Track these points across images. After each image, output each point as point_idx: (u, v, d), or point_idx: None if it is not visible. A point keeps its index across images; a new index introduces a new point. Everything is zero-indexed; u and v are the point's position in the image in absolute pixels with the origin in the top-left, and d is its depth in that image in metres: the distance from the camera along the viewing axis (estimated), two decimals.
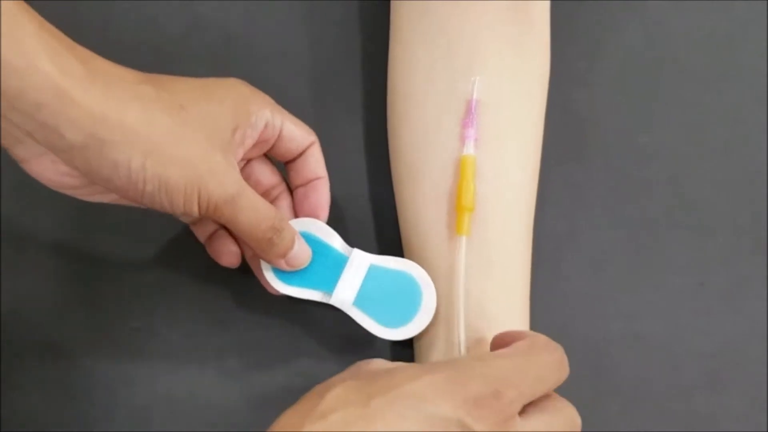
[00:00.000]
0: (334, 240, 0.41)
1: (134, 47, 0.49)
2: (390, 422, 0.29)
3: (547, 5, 0.44)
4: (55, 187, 0.35)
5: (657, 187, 0.47)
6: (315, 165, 0.42)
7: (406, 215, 0.43)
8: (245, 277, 0.45)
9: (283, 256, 0.39)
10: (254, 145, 0.39)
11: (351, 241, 0.43)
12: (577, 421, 0.33)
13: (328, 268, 0.41)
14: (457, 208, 0.40)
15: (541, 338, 0.35)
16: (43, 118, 0.31)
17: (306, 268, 0.41)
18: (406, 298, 0.40)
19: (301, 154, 0.41)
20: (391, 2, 0.45)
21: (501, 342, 0.36)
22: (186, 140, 0.34)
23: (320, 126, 0.47)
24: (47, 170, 0.34)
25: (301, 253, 0.40)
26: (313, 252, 0.41)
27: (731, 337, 0.45)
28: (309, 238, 0.41)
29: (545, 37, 0.44)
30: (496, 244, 0.41)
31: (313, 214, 0.42)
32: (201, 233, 0.43)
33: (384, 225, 0.46)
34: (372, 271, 0.41)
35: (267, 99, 0.40)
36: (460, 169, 0.40)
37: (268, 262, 0.40)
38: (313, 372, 0.45)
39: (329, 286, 0.41)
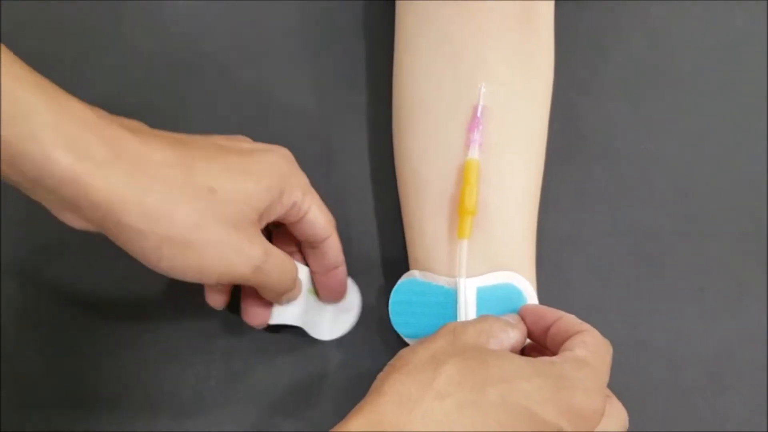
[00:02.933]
0: (438, 278, 0.41)
1: (142, 52, 0.49)
2: (502, 418, 0.31)
3: (551, 12, 0.44)
4: (80, 228, 0.36)
5: (659, 194, 0.47)
6: (334, 255, 0.42)
7: (411, 220, 0.43)
8: None
9: (285, 295, 0.41)
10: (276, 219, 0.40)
11: (356, 245, 0.43)
12: (627, 420, 0.36)
13: (441, 306, 0.41)
14: (459, 212, 0.40)
15: (599, 335, 0.35)
16: (63, 195, 0.32)
17: (423, 313, 0.41)
18: (513, 306, 0.40)
19: (318, 246, 0.42)
20: (397, 9, 0.45)
21: (542, 319, 0.37)
22: (210, 224, 0.35)
23: (324, 132, 0.48)
24: (73, 221, 0.34)
25: (298, 291, 0.43)
26: (424, 296, 0.41)
27: (732, 342, 0.45)
28: (414, 283, 0.41)
29: (549, 44, 0.44)
30: (501, 249, 0.41)
31: (332, 299, 0.44)
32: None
33: (389, 230, 0.46)
34: (480, 293, 0.40)
35: (302, 180, 0.40)
36: (463, 173, 0.40)
37: (269, 299, 0.42)
38: (319, 373, 0.45)
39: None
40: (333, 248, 0.42)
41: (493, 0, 0.42)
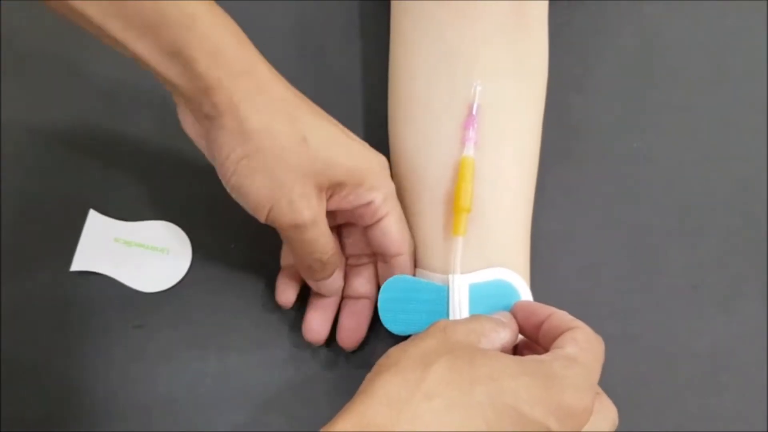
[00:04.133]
0: (429, 275, 0.41)
1: None
2: (489, 417, 0.30)
3: (545, 11, 0.44)
4: (191, 136, 0.39)
5: (651, 191, 0.47)
6: (402, 268, 0.42)
7: (407, 217, 0.43)
8: (243, 276, 0.46)
9: (316, 280, 0.42)
10: (349, 212, 0.41)
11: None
12: (617, 418, 0.35)
13: (432, 303, 0.41)
14: (454, 209, 0.40)
15: (590, 332, 0.35)
16: (196, 85, 0.36)
17: (415, 310, 0.41)
18: (507, 302, 0.40)
19: (388, 261, 0.42)
20: (392, 6, 0.45)
21: (533, 316, 0.37)
22: (285, 166, 0.37)
23: None
24: (189, 123, 0.39)
25: (333, 285, 0.42)
26: (415, 292, 0.41)
27: (725, 339, 0.45)
28: (405, 280, 0.41)
29: (543, 42, 0.44)
30: (496, 246, 0.41)
31: None
32: (285, 258, 0.45)
33: None
34: (473, 290, 0.40)
35: (388, 187, 0.41)
36: (459, 171, 0.40)
37: (301, 274, 0.42)
38: (313, 372, 0.45)
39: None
40: (402, 268, 0.42)
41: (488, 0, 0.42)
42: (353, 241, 0.44)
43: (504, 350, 0.36)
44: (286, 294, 0.44)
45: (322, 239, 0.39)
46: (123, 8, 0.34)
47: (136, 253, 0.46)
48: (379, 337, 0.44)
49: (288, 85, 0.39)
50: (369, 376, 0.33)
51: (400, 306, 0.41)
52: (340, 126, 0.40)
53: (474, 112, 0.41)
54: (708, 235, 0.47)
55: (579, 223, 0.47)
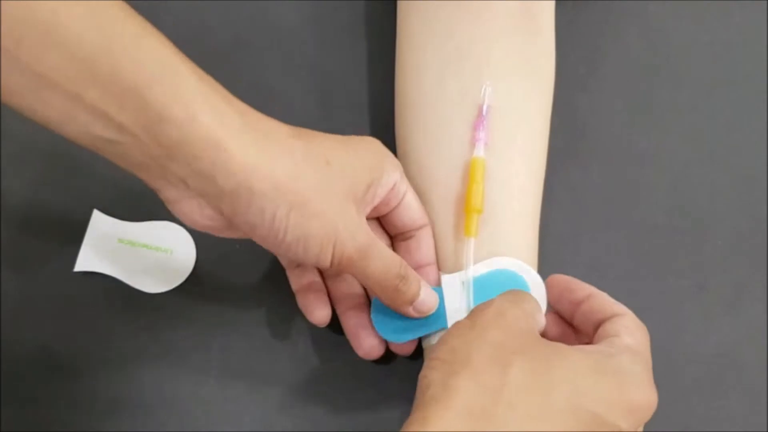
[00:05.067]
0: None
1: None
2: (569, 423, 0.30)
3: (552, 11, 0.44)
4: (194, 226, 0.36)
5: (657, 192, 0.48)
6: (427, 248, 0.42)
7: None
8: (247, 277, 0.46)
9: (411, 302, 0.39)
10: (377, 205, 0.40)
11: None
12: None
13: None
14: (465, 210, 0.40)
15: (635, 319, 0.35)
16: (199, 167, 0.32)
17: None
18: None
19: (412, 236, 0.42)
20: (399, 9, 0.45)
21: (571, 293, 0.37)
22: (328, 195, 0.35)
23: (327, 130, 0.48)
24: (193, 212, 0.35)
25: (428, 298, 0.40)
26: None
27: (730, 340, 0.45)
28: None
29: (551, 42, 0.44)
30: (506, 247, 0.41)
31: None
32: (296, 282, 0.43)
33: None
34: (476, 284, 0.40)
35: (398, 163, 0.40)
36: (469, 171, 0.40)
37: (397, 310, 0.40)
38: (319, 371, 0.45)
39: (441, 322, 0.40)
40: (427, 240, 0.42)
41: (497, 0, 0.42)
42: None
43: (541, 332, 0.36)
44: (319, 311, 0.42)
45: (387, 251, 0.38)
46: (98, 72, 0.30)
47: (140, 254, 0.46)
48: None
49: (264, 115, 0.36)
50: (430, 374, 0.31)
51: (394, 312, 0.40)
52: (325, 134, 0.39)
53: (484, 113, 0.41)
54: (714, 236, 0.47)
55: (584, 223, 0.47)
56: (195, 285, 0.46)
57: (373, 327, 0.41)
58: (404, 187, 0.40)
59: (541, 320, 0.36)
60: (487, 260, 0.40)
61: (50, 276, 0.46)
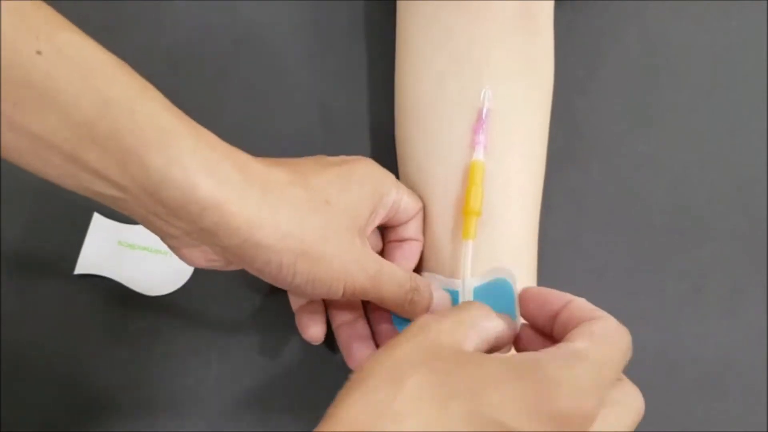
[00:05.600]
0: (443, 279, 0.41)
1: (143, 51, 0.49)
2: (463, 429, 0.27)
3: (551, 13, 0.44)
4: (198, 266, 0.36)
5: (655, 194, 0.48)
6: (415, 231, 0.42)
7: None
8: (248, 281, 0.46)
9: (426, 309, 0.40)
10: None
11: None
12: (642, 406, 0.32)
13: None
14: (464, 213, 0.40)
15: (613, 323, 0.32)
16: (202, 225, 0.32)
17: None
18: (505, 299, 0.39)
19: (405, 222, 0.42)
20: (398, 10, 0.45)
21: (547, 304, 0.33)
22: (333, 236, 0.36)
23: (326, 132, 0.48)
24: (197, 258, 0.35)
25: (441, 301, 0.40)
26: None
27: (729, 343, 0.45)
28: None
29: (550, 43, 0.44)
30: (505, 250, 0.41)
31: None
32: (296, 302, 0.43)
33: None
34: (476, 293, 0.40)
35: (392, 178, 0.41)
36: (468, 174, 0.40)
37: (415, 318, 0.37)
38: (318, 374, 0.45)
39: None
40: (416, 223, 0.42)
41: (497, 1, 0.42)
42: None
43: (499, 343, 0.33)
44: (312, 328, 0.42)
45: (396, 271, 0.38)
46: (96, 135, 0.30)
47: (140, 257, 0.46)
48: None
49: (262, 162, 0.35)
50: (340, 392, 0.29)
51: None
52: (319, 161, 0.39)
53: (484, 116, 0.41)
54: (712, 239, 0.47)
55: (582, 226, 0.47)
56: (195, 288, 0.46)
57: (364, 339, 0.42)
58: (400, 197, 0.41)
59: (491, 328, 0.33)
60: (488, 270, 0.40)
61: (51, 278, 0.46)
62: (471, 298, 0.40)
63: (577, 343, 0.30)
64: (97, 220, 0.46)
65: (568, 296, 0.33)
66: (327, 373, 0.45)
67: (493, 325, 0.33)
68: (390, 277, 0.38)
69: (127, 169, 0.30)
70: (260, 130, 0.48)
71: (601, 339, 0.30)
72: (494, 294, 0.40)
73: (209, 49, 0.50)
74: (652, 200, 0.47)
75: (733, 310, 0.46)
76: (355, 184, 0.38)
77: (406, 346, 0.30)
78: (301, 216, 0.35)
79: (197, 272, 0.46)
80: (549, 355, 0.30)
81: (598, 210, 0.47)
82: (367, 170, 0.39)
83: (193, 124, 0.33)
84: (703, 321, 0.45)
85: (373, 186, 0.39)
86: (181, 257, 0.36)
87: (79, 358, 0.45)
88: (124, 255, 0.46)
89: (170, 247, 0.35)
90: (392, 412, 0.27)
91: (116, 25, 0.50)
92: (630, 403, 0.31)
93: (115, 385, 0.45)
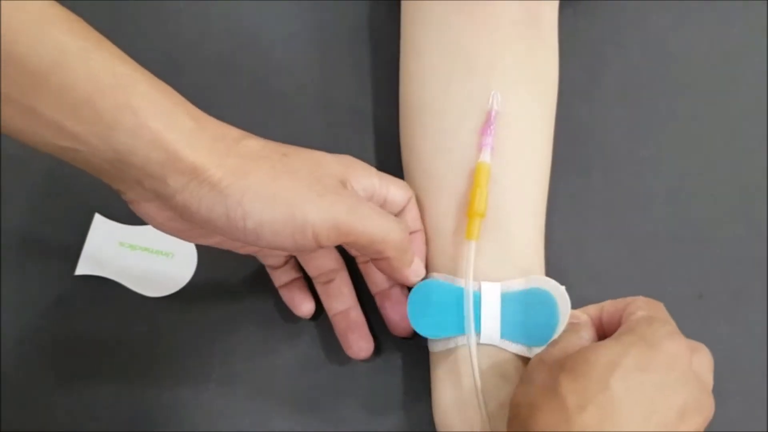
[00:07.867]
0: (460, 280, 0.41)
1: (144, 53, 0.49)
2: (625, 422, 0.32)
3: (555, 19, 0.44)
4: (162, 229, 0.37)
5: (657, 200, 0.48)
6: (413, 221, 0.42)
7: (423, 220, 0.43)
8: (248, 281, 0.46)
9: (411, 264, 0.39)
10: None
11: None
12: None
13: (460, 306, 0.40)
14: (468, 213, 0.40)
15: (644, 298, 0.38)
16: (151, 170, 0.33)
17: (444, 312, 0.40)
18: (545, 311, 0.39)
19: (399, 212, 0.42)
20: (403, 13, 0.45)
21: (615, 311, 0.38)
22: (286, 177, 0.35)
23: (329, 135, 0.48)
24: (154, 213, 0.36)
25: (418, 267, 0.41)
26: (445, 295, 0.40)
27: (731, 349, 0.45)
28: (434, 284, 0.41)
29: (555, 49, 0.44)
30: (516, 252, 0.41)
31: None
32: (279, 279, 0.44)
33: None
34: (504, 299, 0.40)
35: (372, 169, 0.41)
36: (474, 176, 0.40)
37: (401, 275, 0.39)
38: (319, 375, 0.45)
39: (475, 326, 0.39)
40: (411, 212, 0.42)
41: (502, 3, 0.42)
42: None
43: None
44: (304, 305, 0.44)
45: (376, 216, 0.36)
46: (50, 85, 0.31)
47: (141, 258, 0.46)
48: (388, 342, 0.44)
49: (220, 121, 0.36)
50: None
51: (428, 309, 0.40)
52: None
53: (492, 118, 0.41)
54: (714, 244, 0.47)
55: (585, 231, 0.47)
56: (196, 289, 0.46)
57: (360, 329, 0.43)
58: (384, 187, 0.40)
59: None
60: (522, 278, 0.40)
61: (51, 279, 0.46)
62: (497, 300, 0.40)
63: (638, 313, 0.36)
64: (98, 221, 0.46)
65: (596, 305, 0.39)
66: (327, 373, 0.45)
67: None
68: (375, 212, 0.36)
69: (81, 117, 0.31)
70: (263, 132, 0.48)
71: (647, 305, 0.37)
72: (530, 304, 0.40)
73: (211, 52, 0.50)
74: (654, 206, 0.48)
75: (734, 316, 0.46)
76: (320, 152, 0.38)
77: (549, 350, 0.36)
78: (249, 161, 0.34)
79: (198, 273, 0.46)
80: (626, 326, 0.36)
81: (600, 215, 0.47)
82: (341, 156, 0.39)
83: (150, 74, 0.33)
84: (704, 326, 0.45)
85: (346, 163, 0.39)
86: (140, 214, 0.36)
87: (79, 358, 0.45)
88: (125, 256, 0.46)
89: (129, 202, 0.35)
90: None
91: (116, 26, 0.50)
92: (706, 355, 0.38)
93: (114, 386, 0.45)
